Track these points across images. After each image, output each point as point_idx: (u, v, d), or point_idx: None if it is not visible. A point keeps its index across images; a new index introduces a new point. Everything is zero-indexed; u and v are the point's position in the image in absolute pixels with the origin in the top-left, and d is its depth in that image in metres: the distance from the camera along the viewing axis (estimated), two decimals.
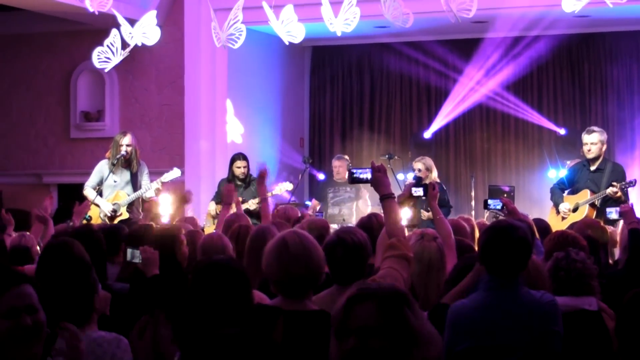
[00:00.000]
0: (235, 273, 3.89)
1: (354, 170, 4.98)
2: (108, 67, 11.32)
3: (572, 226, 8.00)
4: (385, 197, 4.78)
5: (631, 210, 7.49)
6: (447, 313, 4.61)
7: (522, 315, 4.47)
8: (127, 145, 11.08)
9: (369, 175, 4.88)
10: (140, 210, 10.99)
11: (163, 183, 11.08)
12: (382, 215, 5.56)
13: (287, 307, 4.24)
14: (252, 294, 3.93)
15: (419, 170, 11.90)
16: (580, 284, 5.07)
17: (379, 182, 4.85)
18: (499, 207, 8.23)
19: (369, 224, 6.15)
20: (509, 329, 4.45)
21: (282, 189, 11.93)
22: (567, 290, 5.15)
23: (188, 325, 3.84)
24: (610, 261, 7.41)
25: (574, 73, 15.38)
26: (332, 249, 4.73)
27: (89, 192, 11.11)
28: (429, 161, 12.13)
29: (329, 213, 12.55)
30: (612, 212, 7.96)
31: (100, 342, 4.37)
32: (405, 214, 7.33)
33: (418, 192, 6.48)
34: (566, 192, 10.88)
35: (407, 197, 6.41)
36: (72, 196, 9.59)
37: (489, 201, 8.38)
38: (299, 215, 9.01)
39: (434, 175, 12.01)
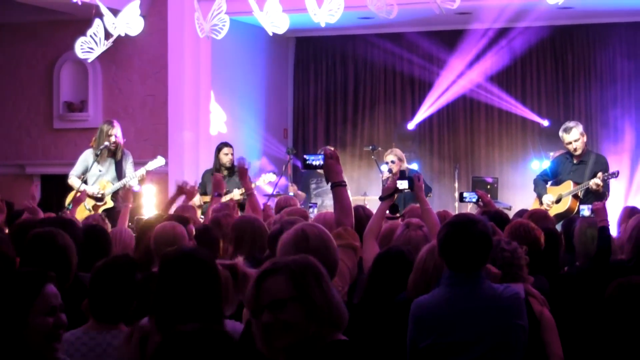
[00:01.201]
0: (200, 264, 3.85)
1: (307, 157, 4.91)
2: (91, 57, 11.28)
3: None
4: (336, 185, 4.72)
5: (603, 208, 7.51)
6: (411, 308, 4.58)
7: (484, 309, 4.42)
8: (116, 136, 11.12)
9: (320, 162, 4.82)
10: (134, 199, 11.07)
11: (147, 172, 11.13)
12: (367, 207, 5.56)
13: None
14: (219, 286, 3.89)
15: (392, 162, 11.93)
16: (508, 272, 5.01)
17: (330, 169, 4.79)
18: (474, 199, 8.27)
19: (356, 214, 6.17)
20: (471, 324, 4.41)
21: (265, 180, 11.93)
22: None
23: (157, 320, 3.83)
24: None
25: (558, 65, 15.41)
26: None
27: (74, 180, 11.14)
28: (399, 151, 12.21)
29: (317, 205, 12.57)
30: (585, 209, 7.98)
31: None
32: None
33: (403, 184, 6.46)
34: (549, 183, 10.91)
35: (393, 190, 6.39)
36: (56, 187, 9.57)
37: (465, 194, 8.44)
38: (298, 205, 9.04)
39: (405, 164, 12.06)
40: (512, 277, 4.98)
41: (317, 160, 4.85)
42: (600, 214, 7.32)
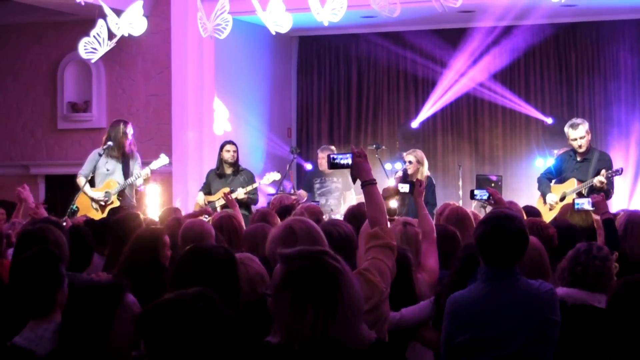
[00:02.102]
0: (218, 260, 3.85)
1: (334, 156, 4.86)
2: (95, 57, 11.30)
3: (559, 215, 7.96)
4: (367, 184, 4.68)
5: (603, 200, 7.47)
6: (446, 304, 4.63)
7: (520, 304, 4.48)
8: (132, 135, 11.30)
9: (349, 161, 4.78)
10: (133, 198, 11.16)
11: (152, 171, 11.18)
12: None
13: None
14: (237, 282, 3.89)
15: (410, 162, 11.83)
16: (595, 281, 5.05)
17: (359, 167, 4.75)
18: (485, 197, 8.24)
19: (358, 212, 6.16)
20: (507, 318, 4.47)
21: (269, 179, 11.94)
22: (582, 285, 5.17)
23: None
24: None
25: (561, 62, 15.39)
26: None
27: (81, 180, 11.17)
28: (421, 154, 12.03)
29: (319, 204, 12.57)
30: (584, 203, 7.83)
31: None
32: (392, 205, 7.37)
33: (404, 188, 6.46)
34: (553, 181, 10.90)
35: (394, 193, 6.40)
36: (60, 187, 9.59)
37: (476, 191, 8.40)
38: (293, 203, 9.03)
39: (425, 169, 11.94)
40: (601, 287, 5.05)
41: (345, 159, 4.79)
42: (601, 206, 7.29)
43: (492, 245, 4.51)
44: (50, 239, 5.13)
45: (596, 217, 7.59)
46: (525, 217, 6.74)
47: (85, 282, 3.58)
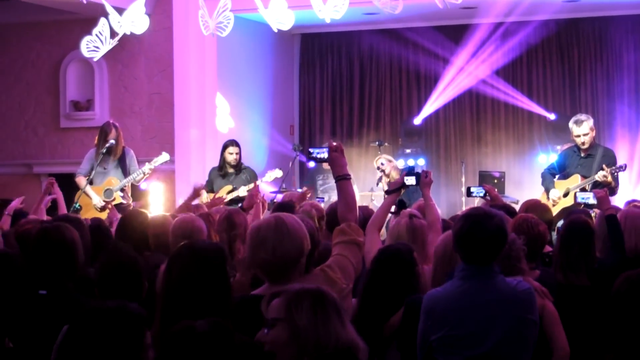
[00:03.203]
0: (209, 257, 3.83)
1: (312, 150, 4.89)
2: (97, 56, 11.31)
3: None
4: (341, 178, 4.69)
5: (606, 195, 7.45)
6: (422, 301, 4.60)
7: (495, 303, 4.45)
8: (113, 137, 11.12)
9: (325, 155, 4.80)
10: (130, 196, 11.13)
11: (154, 168, 11.17)
12: (370, 207, 5.55)
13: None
14: (227, 280, 3.87)
15: (382, 163, 12.35)
16: (506, 265, 4.98)
17: (335, 161, 4.76)
18: (481, 194, 8.24)
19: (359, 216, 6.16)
20: (483, 317, 4.44)
21: (271, 177, 11.94)
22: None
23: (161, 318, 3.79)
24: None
25: (564, 58, 15.38)
26: None
27: (80, 180, 11.17)
28: (385, 155, 12.60)
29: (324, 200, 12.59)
30: (589, 198, 7.81)
31: None
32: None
33: (410, 180, 6.45)
34: (557, 177, 10.89)
35: (399, 185, 6.40)
36: (63, 186, 9.58)
37: (472, 188, 8.40)
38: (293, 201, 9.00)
39: (397, 164, 12.30)
40: (510, 270, 4.94)
41: (321, 154, 4.82)
42: (604, 201, 7.27)
43: (470, 242, 4.49)
44: (67, 236, 5.13)
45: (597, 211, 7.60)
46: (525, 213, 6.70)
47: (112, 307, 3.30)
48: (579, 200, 7.78)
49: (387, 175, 12.26)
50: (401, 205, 6.48)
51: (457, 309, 4.47)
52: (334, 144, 4.80)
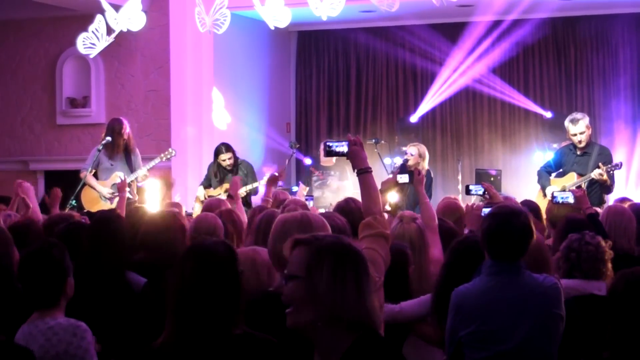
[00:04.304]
0: (219, 257, 3.80)
1: (330, 144, 4.84)
2: (93, 53, 11.31)
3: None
4: (362, 172, 4.67)
5: (584, 195, 7.48)
6: (451, 297, 4.65)
7: (524, 298, 4.52)
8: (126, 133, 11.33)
9: (345, 149, 4.76)
10: (137, 193, 11.24)
11: (152, 166, 11.28)
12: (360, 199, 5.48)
13: None
14: (238, 280, 3.84)
15: (411, 154, 11.83)
16: (590, 267, 5.07)
17: (355, 155, 4.73)
18: (480, 192, 8.24)
19: (347, 207, 6.14)
20: (510, 312, 4.51)
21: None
22: (578, 273, 5.19)
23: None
24: None
25: (560, 56, 15.39)
26: None
27: (85, 175, 11.22)
28: (423, 149, 12.03)
29: (314, 197, 12.55)
30: (569, 197, 7.86)
31: (55, 330, 4.34)
32: (392, 198, 7.35)
33: (403, 178, 6.43)
34: (553, 174, 10.90)
35: (392, 184, 6.37)
36: (59, 183, 9.59)
37: (471, 186, 8.39)
38: (287, 197, 9.00)
39: (425, 163, 11.93)
40: (595, 273, 5.06)
41: (340, 147, 4.77)
42: (582, 201, 7.29)
43: (498, 239, 4.56)
44: (56, 257, 5.10)
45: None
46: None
47: None
48: (558, 200, 7.81)
49: (408, 167, 11.91)
50: (411, 176, 6.42)
51: (485, 304, 4.55)
52: (352, 137, 4.78)
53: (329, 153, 4.85)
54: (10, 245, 5.64)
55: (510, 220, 4.58)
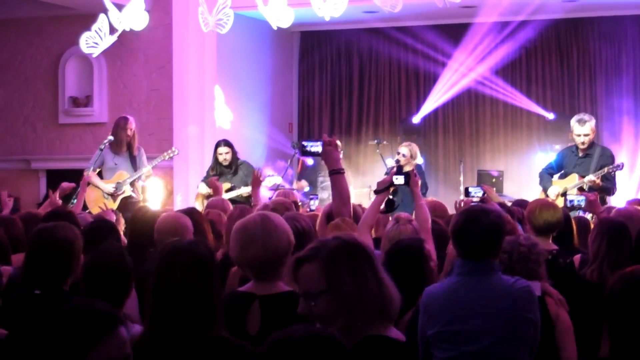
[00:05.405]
0: (195, 258, 3.77)
1: (305, 143, 4.85)
2: (96, 52, 11.30)
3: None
4: (335, 172, 4.66)
5: (597, 200, 7.46)
6: (422, 296, 4.61)
7: (491, 300, 4.44)
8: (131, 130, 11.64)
9: (319, 149, 4.76)
10: (140, 192, 11.36)
11: (154, 165, 11.42)
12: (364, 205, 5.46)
13: (259, 291, 4.16)
14: (217, 280, 3.81)
15: (403, 155, 11.84)
16: (523, 268, 4.98)
17: (328, 155, 4.73)
18: (480, 194, 8.25)
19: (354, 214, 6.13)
20: (477, 313, 4.43)
21: (270, 182, 11.93)
22: (510, 272, 5.13)
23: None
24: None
25: (563, 58, 15.39)
26: None
27: (91, 174, 11.27)
28: (415, 148, 12.06)
29: (319, 198, 12.55)
30: (583, 200, 7.86)
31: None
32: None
33: (399, 180, 6.41)
34: (555, 176, 10.90)
35: (387, 186, 6.34)
36: (61, 182, 9.63)
37: (470, 189, 8.42)
38: (297, 198, 9.04)
39: (417, 162, 11.96)
40: (528, 274, 4.94)
41: (315, 147, 4.80)
42: (596, 205, 7.27)
43: (465, 237, 4.51)
44: (60, 237, 5.11)
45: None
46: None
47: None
48: (575, 203, 7.82)
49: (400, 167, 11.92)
50: (390, 205, 6.44)
51: (452, 304, 4.48)
52: (328, 138, 4.77)
53: (304, 153, 4.87)
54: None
55: (478, 218, 4.52)
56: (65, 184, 9.40)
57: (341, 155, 12.22)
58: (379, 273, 3.27)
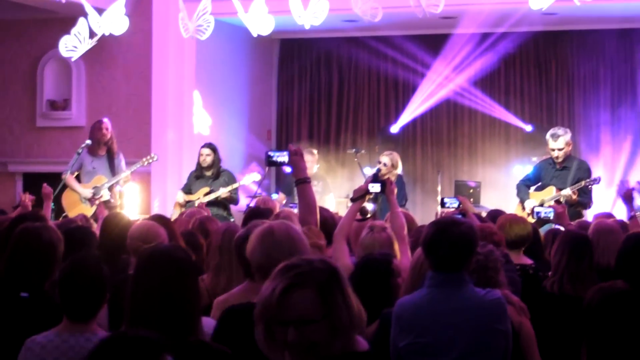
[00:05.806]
0: (177, 263, 3.77)
1: (271, 154, 4.84)
2: (75, 56, 11.27)
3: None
4: (301, 182, 4.65)
5: (564, 212, 7.50)
6: (394, 307, 4.60)
7: (461, 312, 4.44)
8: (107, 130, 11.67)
9: (285, 159, 4.76)
10: (118, 197, 11.34)
11: (133, 170, 11.43)
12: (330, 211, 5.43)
13: None
14: (196, 285, 3.79)
15: (384, 164, 11.85)
16: (481, 276, 4.95)
17: (295, 165, 4.73)
18: (455, 205, 8.23)
19: (320, 216, 6.13)
20: (449, 325, 4.43)
21: (249, 180, 11.95)
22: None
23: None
24: None
25: (541, 70, 15.46)
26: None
27: (68, 177, 11.26)
28: (397, 157, 12.07)
29: (297, 206, 12.54)
30: (551, 212, 7.90)
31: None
32: (369, 207, 7.37)
33: (375, 188, 6.40)
34: (532, 188, 10.94)
35: (363, 193, 6.33)
36: (38, 185, 9.59)
37: (446, 199, 8.40)
38: (276, 205, 9.03)
39: (398, 172, 11.97)
40: (486, 282, 4.91)
41: (281, 157, 4.79)
42: (563, 217, 7.30)
43: (436, 248, 4.50)
44: (45, 237, 5.08)
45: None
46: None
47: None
48: (542, 215, 7.85)
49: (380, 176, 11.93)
50: (365, 213, 6.45)
51: (422, 316, 4.48)
52: (294, 147, 4.77)
53: (270, 163, 4.86)
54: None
55: (448, 229, 4.51)
56: (47, 189, 9.33)
57: (317, 165, 12.35)
58: (351, 291, 3.23)
